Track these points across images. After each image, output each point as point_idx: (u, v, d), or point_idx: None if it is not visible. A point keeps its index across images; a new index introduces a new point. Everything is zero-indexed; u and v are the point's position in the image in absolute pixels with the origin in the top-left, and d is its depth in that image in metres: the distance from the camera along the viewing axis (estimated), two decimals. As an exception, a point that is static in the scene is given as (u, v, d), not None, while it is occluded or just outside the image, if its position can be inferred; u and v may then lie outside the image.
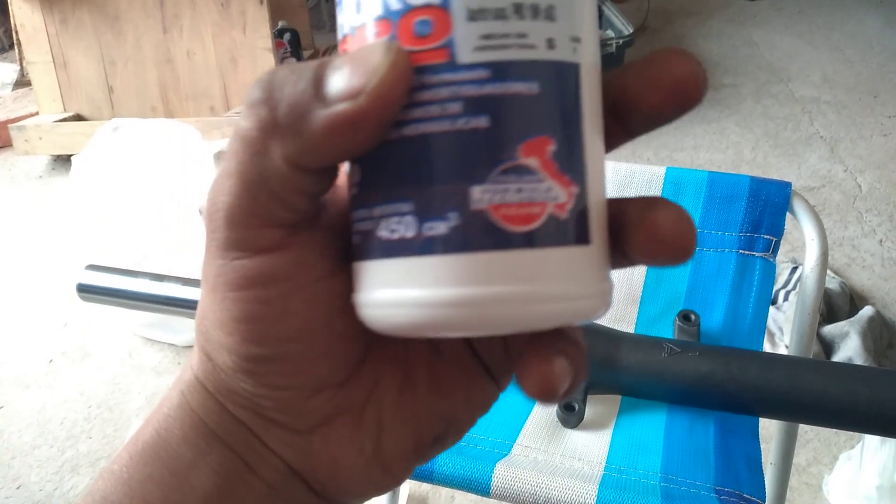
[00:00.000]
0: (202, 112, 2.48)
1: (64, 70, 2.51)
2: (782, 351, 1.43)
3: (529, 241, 0.19)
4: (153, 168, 1.67)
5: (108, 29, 2.46)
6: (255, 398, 0.22)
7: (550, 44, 0.19)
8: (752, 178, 0.82)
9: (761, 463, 0.66)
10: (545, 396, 0.21)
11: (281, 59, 2.47)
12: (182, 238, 1.64)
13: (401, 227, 0.19)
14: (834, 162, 2.13)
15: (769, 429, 0.86)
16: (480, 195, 0.19)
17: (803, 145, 2.22)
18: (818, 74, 2.61)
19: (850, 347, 1.41)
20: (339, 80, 0.19)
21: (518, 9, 0.19)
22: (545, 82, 0.19)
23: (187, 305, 0.71)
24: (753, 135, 2.26)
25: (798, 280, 1.54)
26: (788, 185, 0.81)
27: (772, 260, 0.82)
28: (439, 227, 0.19)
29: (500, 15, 0.19)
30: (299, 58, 2.52)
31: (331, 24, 3.20)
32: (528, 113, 0.19)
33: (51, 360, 1.69)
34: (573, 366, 0.21)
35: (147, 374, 1.63)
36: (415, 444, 0.24)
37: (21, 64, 2.90)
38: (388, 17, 0.19)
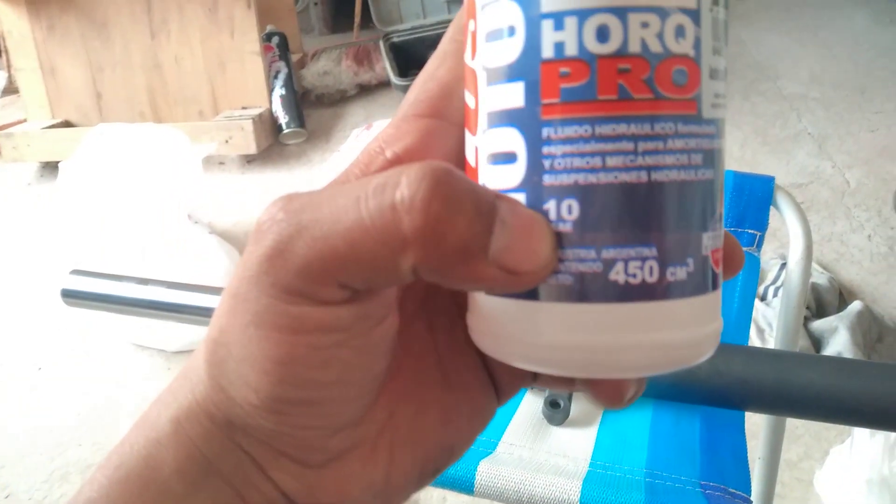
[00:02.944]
0: (191, 117, 2.48)
1: (52, 76, 2.51)
2: (771, 346, 1.44)
3: (718, 283, 0.21)
4: (141, 173, 1.66)
5: (96, 35, 2.45)
6: (274, 435, 0.21)
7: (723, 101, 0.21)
8: (736, 174, 0.82)
9: (747, 457, 0.66)
10: (615, 404, 0.23)
11: (269, 63, 2.47)
12: (171, 243, 1.63)
13: (642, 271, 0.19)
14: (822, 158, 2.14)
15: (758, 423, 0.86)
16: (707, 241, 0.20)
17: (791, 142, 2.23)
18: (806, 72, 2.61)
19: (839, 342, 1.41)
20: (504, 251, 0.19)
21: (725, 73, 0.21)
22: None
23: (173, 309, 0.71)
24: (742, 132, 2.27)
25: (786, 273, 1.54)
26: (772, 179, 0.82)
27: (756, 254, 0.82)
28: (680, 273, 0.20)
29: (721, 77, 0.21)
30: (288, 61, 2.51)
31: (319, 27, 3.19)
32: (724, 165, 0.21)
33: (40, 368, 1.68)
34: None
35: (137, 380, 1.62)
36: (419, 474, 0.24)
37: (9, 71, 2.89)
38: (645, 57, 0.19)
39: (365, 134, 2.10)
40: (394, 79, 2.40)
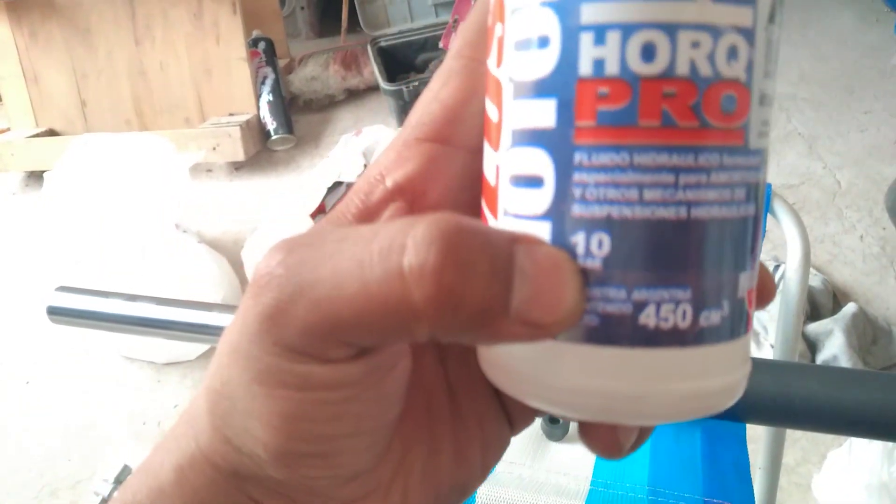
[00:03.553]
0: (177, 124, 2.45)
1: (35, 85, 2.48)
2: (767, 350, 1.43)
3: (750, 323, 0.20)
4: (127, 183, 1.64)
5: (80, 42, 2.42)
6: (285, 485, 0.20)
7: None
8: (732, 180, 0.81)
9: (749, 471, 0.65)
10: (612, 455, 0.22)
11: (256, 69, 2.45)
12: (160, 253, 1.61)
13: (675, 315, 0.18)
14: (813, 159, 2.14)
15: (757, 429, 0.85)
16: (744, 282, 0.19)
17: (781, 143, 2.23)
18: (795, 72, 2.62)
19: (834, 345, 1.41)
20: (526, 305, 0.17)
21: (774, 97, 0.19)
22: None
23: (161, 325, 0.70)
24: (732, 133, 2.27)
25: (782, 278, 1.54)
26: (767, 185, 0.81)
27: (754, 262, 0.81)
28: (714, 317, 0.18)
29: (770, 102, 0.19)
30: (275, 67, 2.49)
31: (306, 31, 3.17)
32: (764, 197, 0.19)
33: (28, 382, 1.66)
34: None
35: (127, 393, 1.60)
36: None
37: (-9, 79, 2.86)
38: (693, 81, 0.17)
39: (354, 140, 2.09)
40: (382, 83, 2.38)
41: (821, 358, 1.41)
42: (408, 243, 0.17)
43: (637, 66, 0.17)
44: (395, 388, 0.21)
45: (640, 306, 0.18)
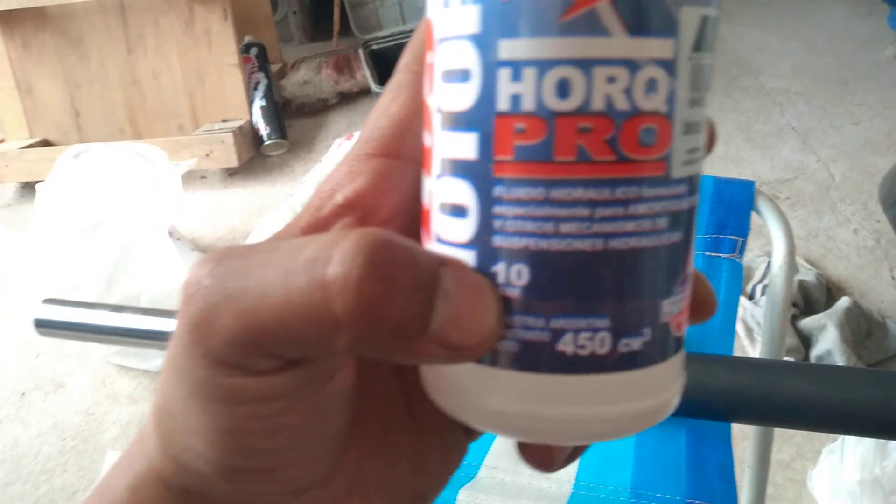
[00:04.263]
0: (171, 131, 2.45)
1: (28, 95, 2.48)
2: (760, 345, 1.43)
3: (680, 345, 0.20)
4: (119, 192, 1.64)
5: (72, 52, 2.43)
6: (234, 501, 0.20)
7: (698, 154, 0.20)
8: (716, 179, 0.81)
9: (733, 472, 0.65)
10: (544, 468, 0.22)
11: (248, 75, 2.45)
12: (153, 261, 1.61)
13: (593, 343, 0.18)
14: (806, 153, 2.14)
15: (746, 427, 0.85)
16: (667, 307, 0.19)
17: (775, 137, 2.22)
18: (788, 66, 2.61)
19: (828, 340, 1.40)
20: (446, 327, 0.17)
21: (703, 124, 0.19)
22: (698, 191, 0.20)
23: (148, 336, 0.70)
24: (725, 129, 2.26)
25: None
26: (752, 184, 0.80)
27: (739, 260, 0.81)
28: (634, 344, 0.19)
29: (698, 129, 0.19)
30: (267, 72, 2.49)
31: (299, 36, 3.17)
32: (695, 222, 0.20)
33: (23, 394, 1.66)
34: None
35: (122, 403, 1.60)
36: None
37: (-15, 91, 2.86)
38: (609, 115, 0.17)
39: (347, 143, 2.08)
40: (374, 87, 2.38)
41: (814, 353, 1.41)
42: (334, 254, 0.17)
43: (552, 102, 0.17)
44: (335, 399, 0.21)
45: (558, 334, 0.18)
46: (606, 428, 0.19)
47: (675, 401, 0.20)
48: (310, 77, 2.63)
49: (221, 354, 0.18)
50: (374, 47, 2.60)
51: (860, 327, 1.46)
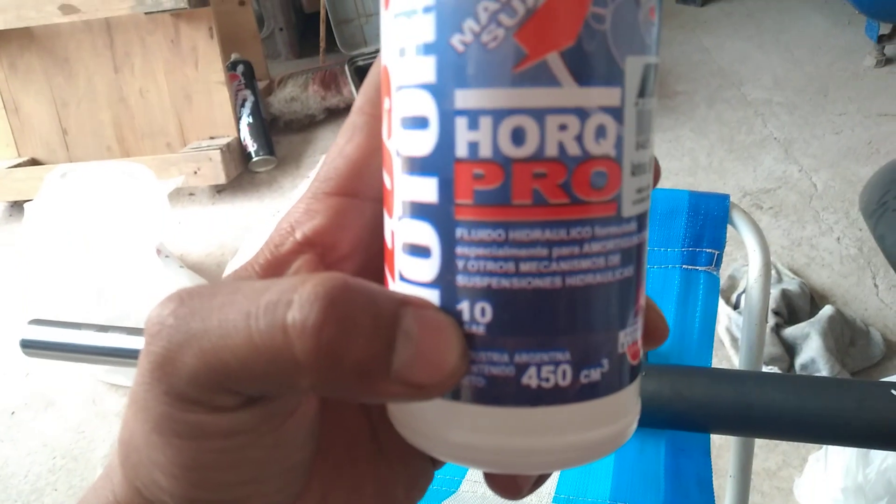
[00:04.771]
0: (159, 149, 2.46)
1: (16, 114, 2.48)
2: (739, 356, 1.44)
3: (636, 373, 0.21)
4: (107, 211, 1.64)
5: (59, 71, 2.43)
6: None
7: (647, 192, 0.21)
8: (691, 193, 0.82)
9: (711, 483, 0.66)
10: (511, 496, 0.23)
11: (235, 92, 2.46)
12: (141, 279, 1.61)
13: (555, 375, 0.19)
14: (789, 163, 2.16)
15: (727, 437, 0.86)
16: (624, 338, 0.20)
17: (758, 148, 2.25)
18: (769, 77, 2.65)
19: (812, 348, 1.42)
20: (407, 367, 0.18)
21: (650, 164, 0.21)
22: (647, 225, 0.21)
23: (134, 356, 0.70)
24: (708, 140, 2.29)
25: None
26: (726, 197, 0.82)
27: (715, 273, 0.82)
28: (594, 375, 0.20)
29: (645, 170, 0.20)
30: (254, 89, 2.50)
31: (286, 52, 3.19)
32: (646, 256, 0.21)
33: (13, 413, 1.65)
34: None
35: (112, 421, 1.60)
36: None
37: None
38: (562, 161, 0.18)
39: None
40: (361, 102, 2.40)
41: (799, 361, 1.42)
42: (294, 299, 0.17)
43: (508, 149, 0.18)
44: (298, 432, 0.21)
45: (522, 368, 0.19)
46: (570, 456, 0.20)
47: (633, 426, 0.22)
48: (297, 93, 2.64)
49: (184, 391, 0.18)
50: (360, 63, 2.62)
51: (844, 335, 1.47)
